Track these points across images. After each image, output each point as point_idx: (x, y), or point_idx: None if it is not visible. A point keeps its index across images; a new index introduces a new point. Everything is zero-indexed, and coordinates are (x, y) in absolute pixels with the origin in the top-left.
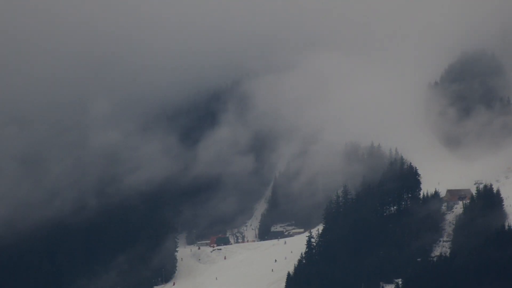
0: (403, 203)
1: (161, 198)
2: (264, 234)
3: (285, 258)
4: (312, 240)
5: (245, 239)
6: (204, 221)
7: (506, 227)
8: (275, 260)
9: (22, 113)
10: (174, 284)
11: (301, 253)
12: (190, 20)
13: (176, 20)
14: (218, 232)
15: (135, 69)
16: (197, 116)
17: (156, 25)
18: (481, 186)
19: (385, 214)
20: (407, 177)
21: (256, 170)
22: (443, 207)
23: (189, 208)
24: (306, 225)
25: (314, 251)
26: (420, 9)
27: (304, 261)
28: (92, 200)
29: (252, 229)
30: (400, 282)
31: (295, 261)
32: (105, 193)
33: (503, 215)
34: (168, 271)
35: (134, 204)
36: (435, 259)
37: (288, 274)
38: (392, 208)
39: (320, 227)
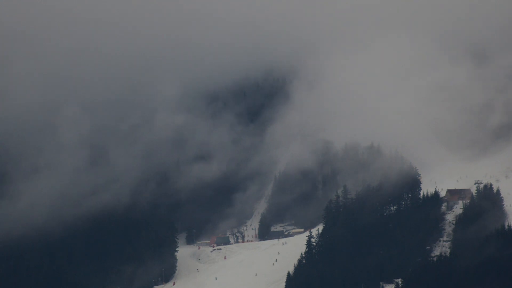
0: (403, 203)
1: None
2: (264, 234)
3: (285, 258)
4: (312, 240)
5: (245, 239)
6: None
7: (506, 227)
8: (276, 260)
9: (89, 99)
10: (174, 284)
11: (301, 253)
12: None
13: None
14: (219, 232)
15: (203, 50)
16: (265, 95)
17: (224, 3)
18: (481, 186)
19: (385, 214)
20: (407, 177)
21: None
22: (443, 207)
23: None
24: (306, 225)
25: (314, 251)
26: None
27: (304, 261)
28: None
29: (252, 229)
30: (400, 282)
31: (295, 261)
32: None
33: (503, 215)
34: (168, 271)
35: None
36: (435, 259)
37: (288, 274)
38: (392, 208)
39: (320, 227)
